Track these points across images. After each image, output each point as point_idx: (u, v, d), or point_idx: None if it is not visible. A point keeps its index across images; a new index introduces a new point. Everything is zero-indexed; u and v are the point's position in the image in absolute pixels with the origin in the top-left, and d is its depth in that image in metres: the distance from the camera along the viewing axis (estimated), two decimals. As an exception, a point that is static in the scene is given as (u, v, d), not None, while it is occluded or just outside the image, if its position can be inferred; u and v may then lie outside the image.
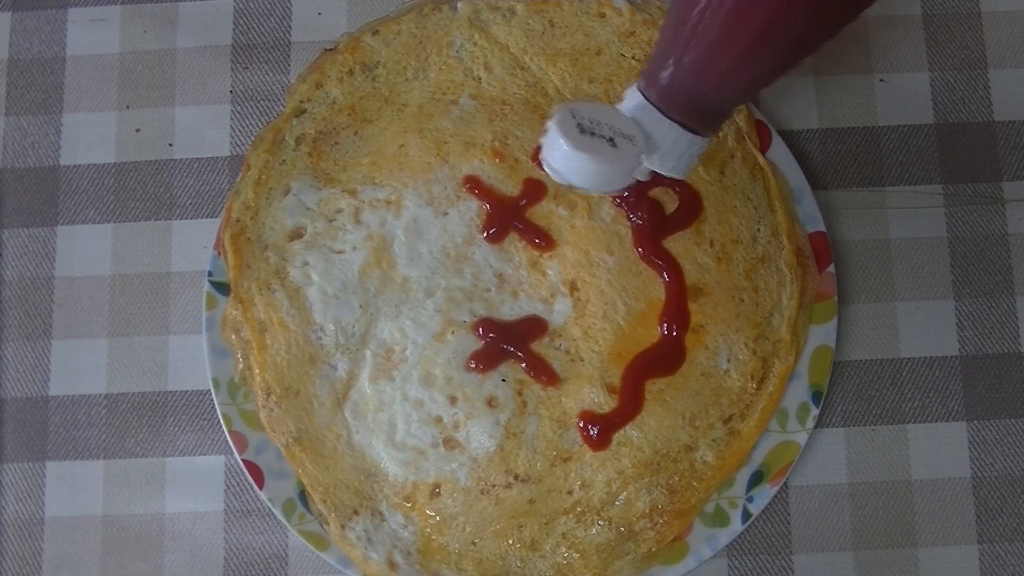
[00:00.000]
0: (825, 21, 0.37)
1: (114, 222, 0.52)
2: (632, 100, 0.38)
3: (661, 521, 0.46)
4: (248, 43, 0.54)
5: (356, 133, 0.51)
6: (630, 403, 0.46)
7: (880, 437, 0.49)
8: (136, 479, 0.50)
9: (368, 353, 0.48)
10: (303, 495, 0.48)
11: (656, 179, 0.49)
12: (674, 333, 0.47)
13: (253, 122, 0.53)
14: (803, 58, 0.37)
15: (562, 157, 0.37)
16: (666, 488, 0.46)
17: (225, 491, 0.50)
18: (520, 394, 0.47)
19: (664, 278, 0.48)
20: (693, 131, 0.38)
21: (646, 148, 0.38)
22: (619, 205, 0.48)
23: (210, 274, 0.49)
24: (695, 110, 0.38)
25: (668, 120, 0.38)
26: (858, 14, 0.37)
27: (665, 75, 0.37)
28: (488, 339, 0.47)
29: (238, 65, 0.54)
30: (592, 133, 0.37)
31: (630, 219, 0.48)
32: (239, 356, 0.48)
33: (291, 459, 0.47)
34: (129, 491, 0.50)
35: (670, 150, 0.38)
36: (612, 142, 0.37)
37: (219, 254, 0.49)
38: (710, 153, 0.50)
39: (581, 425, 0.46)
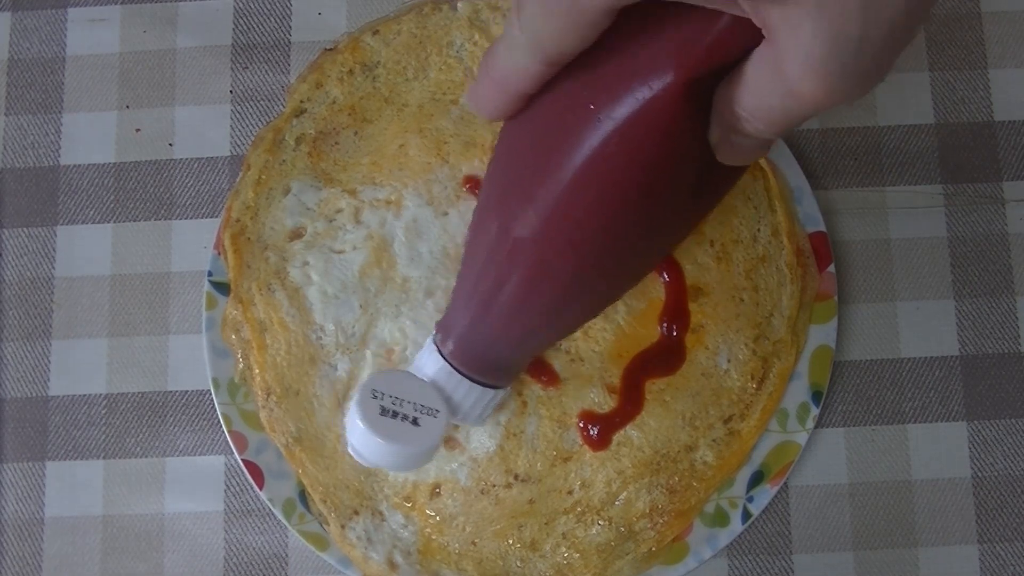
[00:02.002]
0: (625, 283, 0.36)
1: (114, 222, 0.52)
2: (431, 364, 0.38)
3: (661, 521, 0.46)
4: (248, 43, 0.54)
5: (356, 133, 0.51)
6: (630, 403, 0.46)
7: (880, 437, 0.49)
8: (136, 479, 0.50)
9: (368, 353, 0.48)
10: (303, 495, 0.48)
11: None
12: (674, 333, 0.47)
13: (253, 122, 0.53)
14: (600, 312, 0.37)
15: (367, 445, 0.37)
16: (666, 488, 0.46)
17: (225, 491, 0.50)
18: (520, 394, 0.47)
19: (664, 278, 0.48)
20: (493, 386, 0.38)
21: (449, 410, 0.38)
22: (619, 205, 0.48)
23: (210, 274, 0.49)
24: (493, 370, 0.38)
25: (468, 381, 0.38)
26: (651, 270, 0.36)
27: (461, 338, 0.37)
28: (488, 339, 0.47)
29: (238, 65, 0.54)
30: (395, 414, 0.37)
31: (630, 219, 0.48)
32: (239, 356, 0.48)
33: (291, 459, 0.47)
34: (129, 491, 0.50)
35: (472, 406, 0.39)
36: (415, 421, 0.37)
37: (219, 254, 0.49)
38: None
39: (581, 425, 0.46)
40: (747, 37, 0.26)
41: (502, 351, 0.37)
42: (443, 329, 0.38)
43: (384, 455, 0.37)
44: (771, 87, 0.26)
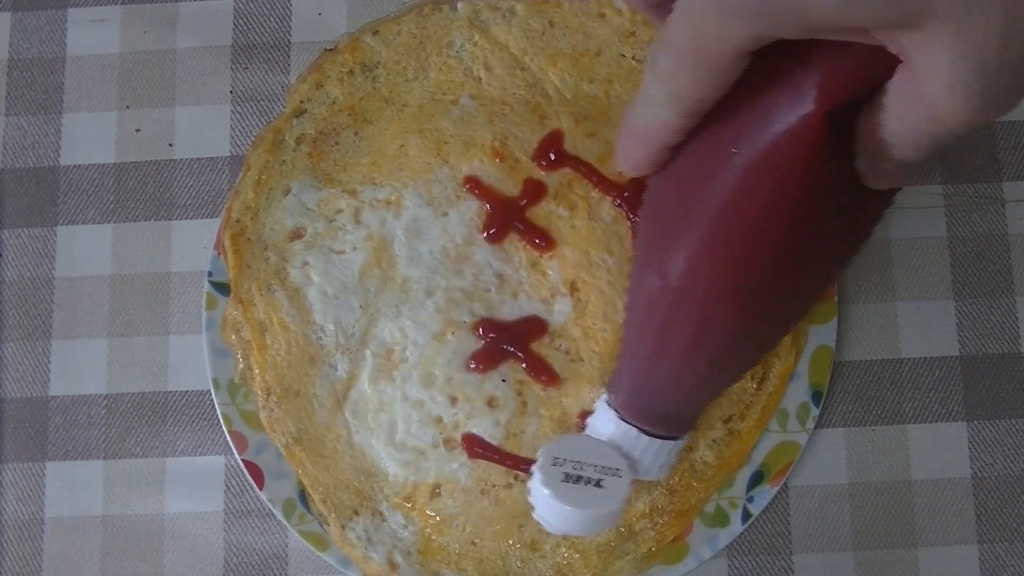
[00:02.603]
0: (791, 322, 0.36)
1: (114, 222, 0.52)
2: (607, 423, 0.38)
3: (661, 521, 0.46)
4: (248, 43, 0.54)
5: (356, 133, 0.51)
6: (630, 403, 0.46)
7: (880, 437, 0.49)
8: (136, 479, 0.50)
9: (368, 353, 0.48)
10: (303, 495, 0.48)
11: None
12: (674, 333, 0.47)
13: (253, 122, 0.53)
14: (768, 352, 0.37)
15: (554, 513, 0.37)
16: (666, 488, 0.46)
17: (225, 491, 0.50)
18: (520, 394, 0.47)
19: (664, 278, 0.47)
20: (672, 438, 0.38)
21: (631, 470, 0.37)
22: (619, 205, 0.48)
23: (210, 274, 0.49)
24: (670, 422, 0.37)
25: (646, 436, 0.37)
26: (818, 299, 0.36)
27: (634, 396, 0.37)
28: (488, 339, 0.47)
29: (238, 65, 0.54)
30: (578, 479, 0.37)
31: (630, 219, 0.48)
32: (239, 356, 0.48)
33: (291, 459, 0.47)
34: (129, 491, 0.50)
35: (653, 460, 0.38)
36: (599, 483, 0.37)
37: (219, 254, 0.50)
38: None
39: (581, 425, 0.46)
40: (884, 64, 0.26)
41: (677, 403, 0.37)
42: (614, 387, 0.38)
43: (572, 521, 0.37)
44: (914, 112, 0.26)
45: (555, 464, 0.37)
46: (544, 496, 0.36)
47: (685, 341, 0.34)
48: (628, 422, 0.37)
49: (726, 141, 0.29)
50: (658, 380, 0.36)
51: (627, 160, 0.32)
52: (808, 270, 0.32)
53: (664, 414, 0.37)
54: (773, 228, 0.30)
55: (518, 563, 0.46)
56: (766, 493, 0.47)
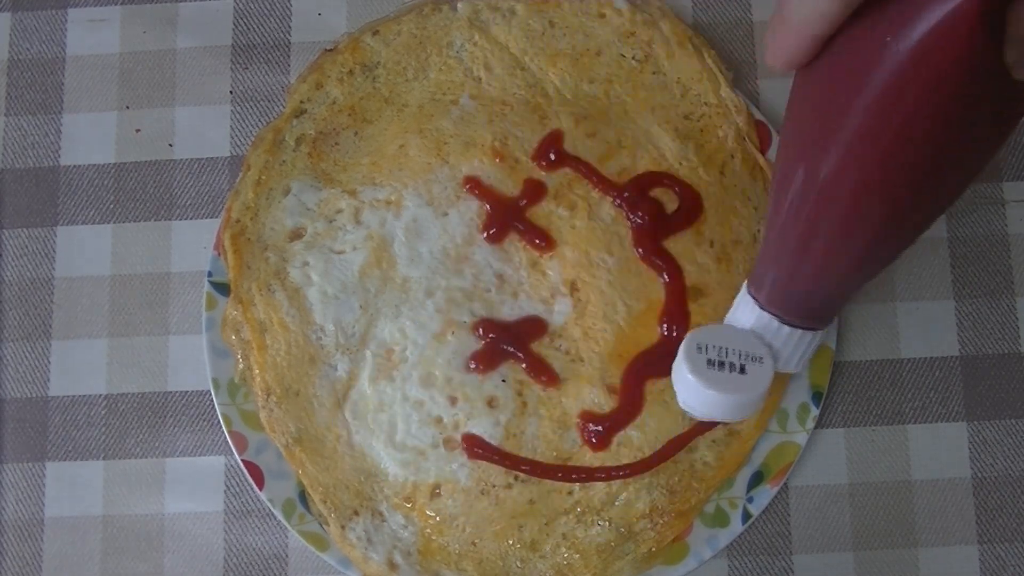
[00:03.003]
0: (929, 219, 0.36)
1: (114, 222, 0.52)
2: (749, 314, 0.38)
3: (661, 521, 0.46)
4: (248, 43, 0.54)
5: (356, 133, 0.51)
6: (630, 404, 0.46)
7: (880, 437, 0.49)
8: (136, 479, 0.50)
9: (368, 353, 0.48)
10: (303, 495, 0.48)
11: (656, 179, 0.49)
12: (674, 334, 0.47)
13: (253, 122, 0.53)
14: (912, 243, 0.37)
15: (698, 397, 0.38)
16: (666, 488, 0.46)
17: (225, 491, 0.50)
18: (520, 395, 0.47)
19: (664, 278, 0.48)
20: (812, 329, 0.38)
21: (773, 359, 0.38)
22: (619, 205, 0.48)
23: (210, 274, 0.49)
24: (812, 313, 0.38)
25: (788, 326, 0.38)
26: (957, 198, 0.35)
27: (777, 289, 0.37)
28: (488, 339, 0.47)
29: (238, 65, 0.54)
30: (721, 365, 0.37)
31: (630, 219, 0.48)
32: (239, 356, 0.48)
33: (291, 459, 0.47)
34: (129, 491, 0.50)
35: (793, 351, 0.39)
36: (742, 369, 0.37)
37: (219, 254, 0.50)
38: (710, 154, 0.50)
39: (581, 425, 0.46)
40: None
41: (821, 295, 0.37)
42: (756, 280, 0.38)
43: (715, 405, 0.38)
44: None
45: (699, 350, 0.38)
46: (689, 381, 0.37)
47: (831, 235, 0.34)
48: (770, 313, 0.37)
49: (880, 32, 0.30)
50: (803, 273, 0.36)
51: (778, 51, 0.32)
52: (955, 166, 0.33)
53: (807, 306, 0.37)
54: (925, 122, 0.30)
55: (518, 563, 0.46)
56: (766, 493, 0.47)
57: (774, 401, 0.47)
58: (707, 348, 0.38)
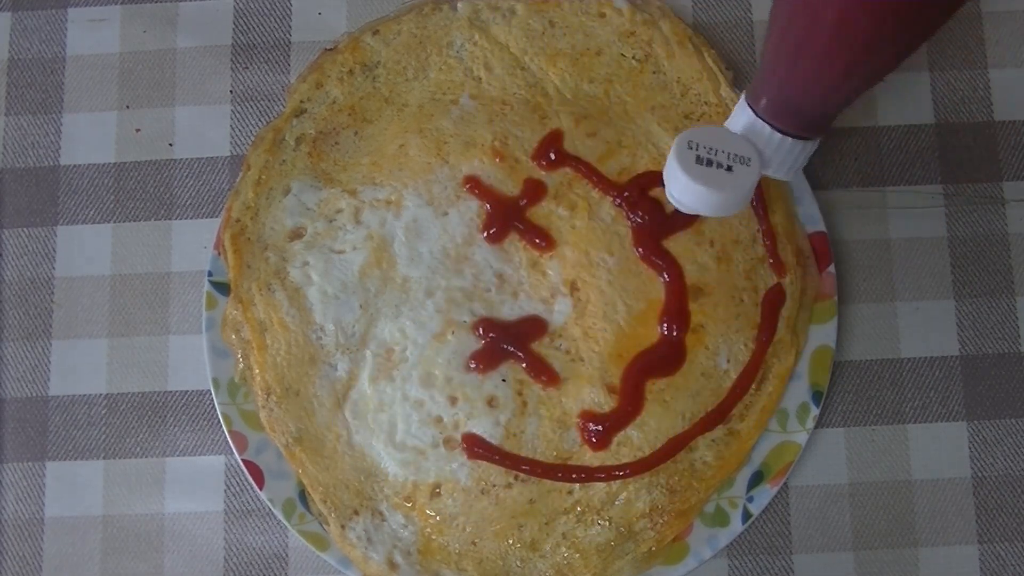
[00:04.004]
0: (924, 25, 0.37)
1: (114, 222, 0.52)
2: (742, 117, 0.40)
3: (661, 521, 0.46)
4: (248, 43, 0.54)
5: (356, 133, 0.51)
6: (630, 403, 0.46)
7: (880, 437, 0.49)
8: (136, 479, 0.50)
9: (368, 353, 0.48)
10: (303, 495, 0.48)
11: (656, 179, 0.49)
12: (674, 333, 0.47)
13: (253, 122, 0.53)
14: (910, 55, 0.38)
15: (686, 191, 0.39)
16: (666, 488, 0.46)
17: (225, 491, 0.50)
18: (520, 394, 0.47)
19: (664, 278, 0.48)
20: (804, 138, 0.39)
21: (761, 163, 0.40)
22: (619, 205, 0.48)
23: (210, 274, 0.49)
24: (804, 121, 0.39)
25: (779, 133, 0.39)
26: (956, 10, 0.37)
27: (771, 91, 0.39)
28: (488, 339, 0.47)
29: (238, 65, 0.54)
30: (710, 163, 0.39)
31: (630, 219, 0.48)
32: (239, 356, 0.48)
33: (291, 459, 0.47)
34: (129, 491, 0.50)
35: (783, 159, 0.40)
36: (729, 168, 0.39)
37: (219, 254, 0.49)
38: (710, 153, 0.50)
39: (581, 425, 0.46)
40: None
41: (814, 102, 0.39)
42: (754, 91, 0.40)
43: (700, 200, 0.39)
44: None
45: (690, 147, 0.39)
46: (678, 175, 0.39)
47: (825, 40, 0.35)
48: (763, 119, 0.39)
49: None
50: (798, 79, 0.37)
51: None
52: None
53: (801, 113, 0.39)
54: None
55: (518, 563, 0.46)
56: (766, 493, 0.47)
57: (774, 400, 0.47)
58: (698, 146, 0.39)
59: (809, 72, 0.37)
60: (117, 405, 0.51)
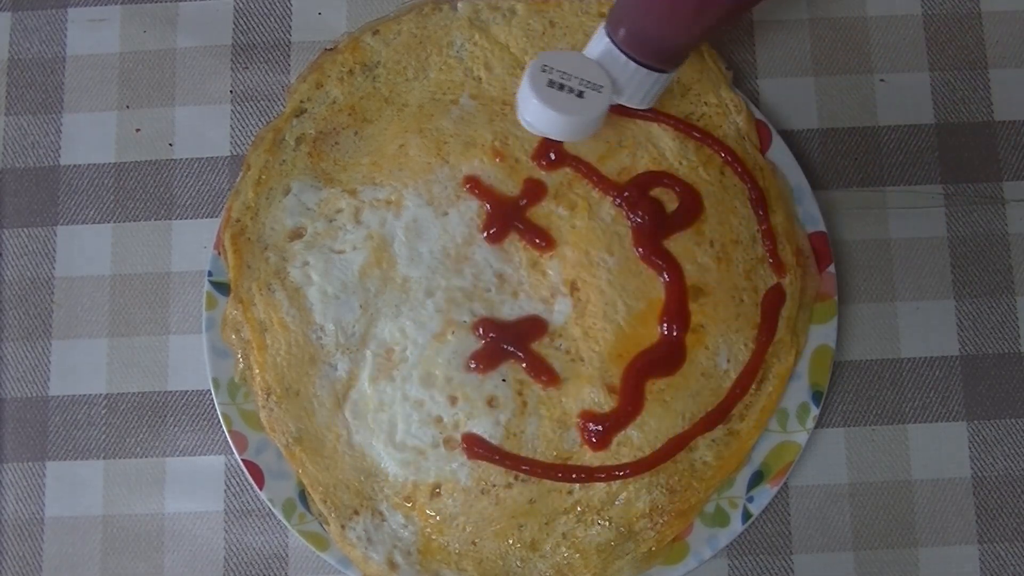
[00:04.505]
0: None
1: (114, 222, 0.52)
2: (599, 45, 0.41)
3: (661, 521, 0.46)
4: (248, 43, 0.54)
5: (356, 133, 0.51)
6: (630, 403, 0.46)
7: (880, 437, 0.49)
8: (136, 479, 0.50)
9: (368, 353, 0.48)
10: (303, 495, 0.48)
11: (656, 179, 0.49)
12: (674, 333, 0.47)
13: (253, 122, 0.53)
14: (749, 8, 0.39)
15: (535, 113, 0.41)
16: (666, 488, 0.46)
17: (225, 491, 0.50)
18: (520, 394, 0.47)
19: (664, 278, 0.48)
20: (658, 70, 0.41)
21: (613, 90, 0.41)
22: (619, 205, 0.48)
23: (210, 274, 0.49)
24: (658, 52, 0.40)
25: (633, 63, 0.40)
26: None
27: (628, 22, 0.40)
28: (488, 339, 0.47)
29: (238, 65, 0.54)
30: (562, 87, 0.41)
31: (630, 219, 0.48)
32: (239, 356, 0.48)
33: (291, 459, 0.47)
34: (129, 491, 0.50)
35: (637, 89, 0.42)
36: (580, 94, 0.41)
37: (219, 254, 0.49)
38: (710, 154, 0.50)
39: (581, 425, 0.46)
40: None
41: (667, 35, 0.40)
42: (612, 20, 0.41)
43: (549, 122, 0.41)
44: None
45: (544, 70, 0.41)
46: (528, 97, 0.40)
47: None
48: (620, 48, 0.40)
49: None
50: (654, 11, 0.39)
51: None
52: None
53: (656, 45, 0.40)
54: None
55: (518, 563, 0.46)
56: (766, 493, 0.47)
57: (774, 400, 0.48)
58: (552, 70, 0.41)
59: (665, 5, 0.38)
60: (117, 405, 0.51)
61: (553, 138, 0.43)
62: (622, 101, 0.42)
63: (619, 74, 0.41)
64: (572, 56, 0.41)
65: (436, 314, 0.47)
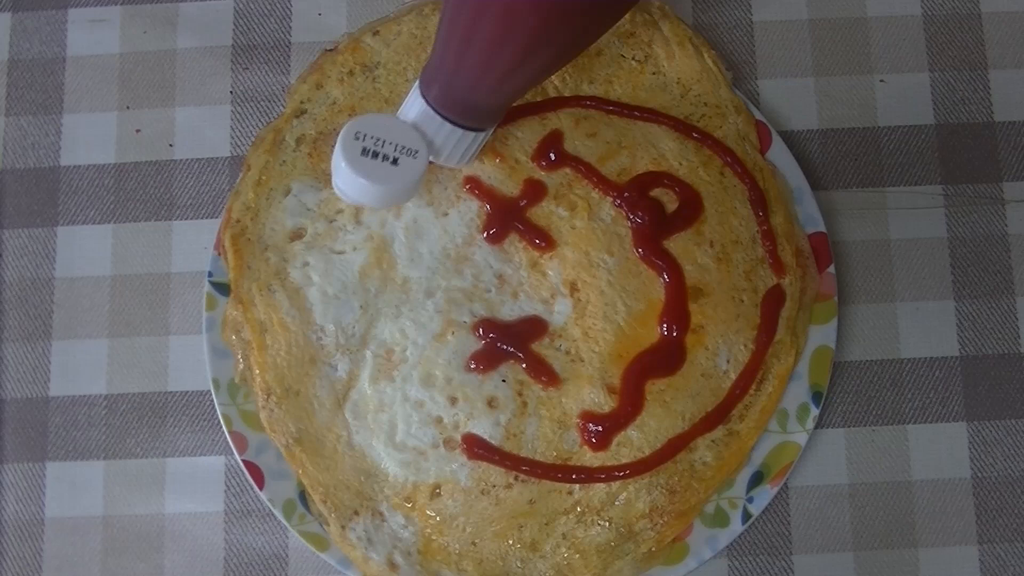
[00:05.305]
0: (589, 24, 0.38)
1: (114, 222, 0.52)
2: (414, 107, 0.40)
3: (661, 521, 0.46)
4: (248, 43, 0.54)
5: (356, 133, 0.51)
6: (630, 404, 0.46)
7: (880, 437, 0.49)
8: (136, 479, 0.50)
9: (368, 354, 0.48)
10: (303, 496, 0.48)
11: (656, 179, 0.49)
12: (674, 334, 0.47)
13: (253, 122, 0.53)
14: (574, 58, 0.39)
15: (349, 183, 0.40)
16: (666, 488, 0.46)
17: (225, 491, 0.50)
18: (520, 395, 0.47)
19: (664, 279, 0.48)
20: (475, 128, 0.40)
21: (430, 151, 0.40)
22: (619, 205, 0.48)
23: (210, 274, 0.49)
24: (475, 113, 0.40)
25: (450, 124, 0.40)
26: (620, 17, 0.38)
27: (439, 83, 0.39)
28: (488, 340, 0.47)
29: (238, 65, 0.54)
30: (375, 155, 0.40)
31: (630, 220, 0.48)
32: (239, 356, 0.48)
33: (291, 460, 0.47)
34: (129, 491, 0.50)
35: (454, 149, 0.41)
36: (395, 161, 0.40)
37: (219, 255, 0.50)
38: (710, 154, 0.50)
39: (581, 426, 0.46)
40: None
41: (482, 95, 0.39)
42: (425, 76, 0.40)
43: (364, 192, 0.40)
44: None
45: (357, 138, 0.40)
46: (342, 168, 0.40)
47: (489, 39, 0.35)
48: (435, 110, 0.39)
49: None
50: (466, 71, 0.38)
51: None
52: (589, 7, 0.34)
53: (470, 106, 0.39)
54: None
55: (518, 563, 0.46)
56: (766, 493, 0.47)
57: (774, 401, 0.48)
58: (365, 136, 0.40)
59: (478, 64, 0.37)
60: (117, 405, 0.51)
61: (370, 206, 0.42)
62: (440, 162, 0.42)
63: (435, 135, 0.40)
64: (386, 120, 0.40)
65: (436, 315, 0.47)
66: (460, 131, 0.40)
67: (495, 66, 0.37)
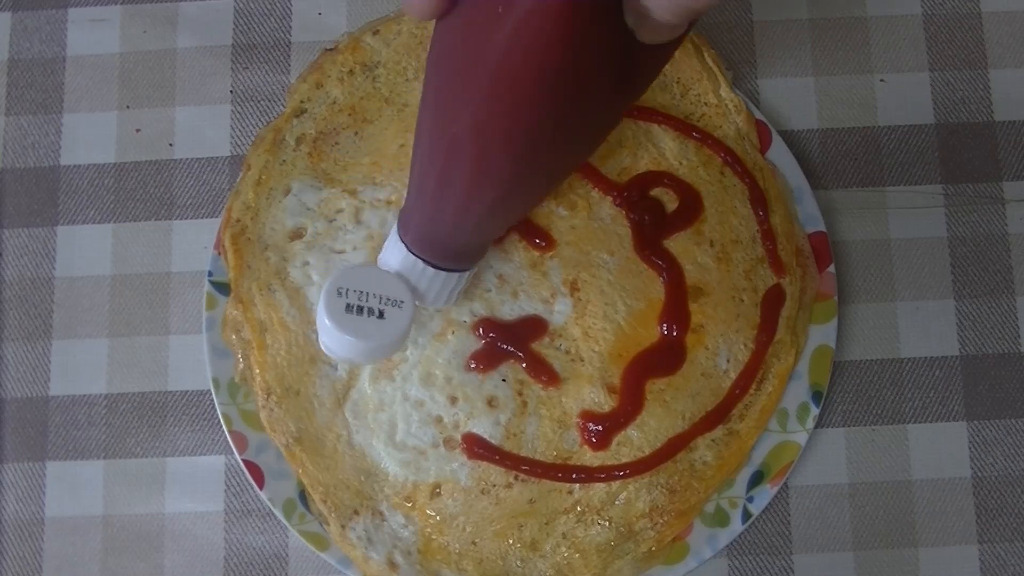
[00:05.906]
0: (561, 165, 0.37)
1: (114, 222, 0.52)
2: (395, 256, 0.39)
3: (661, 521, 0.46)
4: (248, 43, 0.54)
5: (356, 133, 0.51)
6: (630, 403, 0.46)
7: (880, 437, 0.49)
8: (136, 479, 0.50)
9: (368, 353, 0.48)
10: (303, 495, 0.48)
11: (656, 179, 0.49)
12: (674, 333, 0.47)
13: (253, 122, 0.53)
14: (548, 195, 0.38)
15: (335, 341, 0.39)
16: (666, 488, 0.46)
17: (225, 491, 0.50)
18: (520, 394, 0.47)
19: (664, 278, 0.48)
20: (458, 269, 0.40)
21: (416, 297, 0.40)
22: (619, 205, 0.48)
23: (210, 274, 0.49)
24: (453, 255, 0.39)
25: (431, 268, 0.39)
26: (602, 142, 0.36)
27: (420, 228, 0.38)
28: (488, 339, 0.47)
29: (238, 65, 0.54)
30: (360, 310, 0.39)
31: (630, 219, 0.48)
32: (239, 356, 0.48)
33: (291, 459, 0.47)
34: (129, 491, 0.50)
35: (439, 292, 0.40)
36: (380, 314, 0.39)
37: (219, 254, 0.50)
38: (710, 153, 0.50)
39: (581, 425, 0.46)
40: None
41: (460, 239, 0.38)
42: (404, 223, 0.39)
43: (351, 350, 0.39)
44: None
45: (339, 295, 0.39)
46: (326, 327, 0.38)
47: (464, 185, 0.35)
48: (415, 255, 0.39)
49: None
50: (443, 217, 0.37)
51: (413, 3, 0.32)
52: (581, 124, 0.33)
53: (450, 248, 0.39)
54: (543, 85, 0.30)
55: (518, 563, 0.46)
56: (766, 493, 0.47)
57: (774, 400, 0.48)
58: (347, 292, 0.39)
59: (457, 208, 0.36)
60: (117, 405, 0.51)
61: (359, 362, 0.41)
62: (426, 305, 0.41)
63: (418, 280, 0.40)
64: (367, 272, 0.39)
65: (436, 314, 0.47)
66: (444, 274, 0.39)
67: (475, 209, 0.36)
